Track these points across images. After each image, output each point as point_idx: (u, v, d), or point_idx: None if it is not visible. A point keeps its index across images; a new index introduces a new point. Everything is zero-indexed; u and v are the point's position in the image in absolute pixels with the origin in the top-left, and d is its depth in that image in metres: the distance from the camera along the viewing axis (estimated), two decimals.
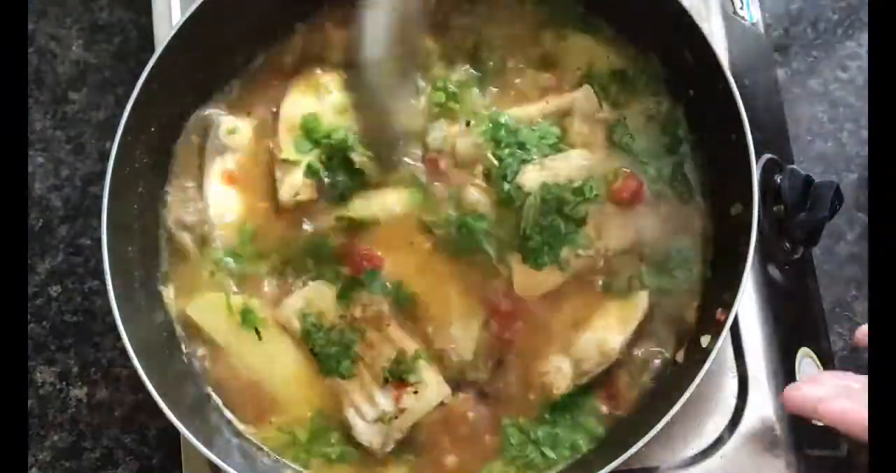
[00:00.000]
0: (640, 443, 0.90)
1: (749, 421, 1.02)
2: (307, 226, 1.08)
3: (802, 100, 1.31)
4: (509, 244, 1.03)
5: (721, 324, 0.94)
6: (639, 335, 1.02)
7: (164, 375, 0.99)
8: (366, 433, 1.01)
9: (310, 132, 1.08)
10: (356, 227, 1.07)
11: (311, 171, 1.07)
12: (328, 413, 1.04)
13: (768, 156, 1.09)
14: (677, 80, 1.08)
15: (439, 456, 1.02)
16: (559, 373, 1.00)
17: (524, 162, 1.04)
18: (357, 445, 1.02)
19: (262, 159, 1.11)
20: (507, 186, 1.03)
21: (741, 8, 1.19)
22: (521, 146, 1.05)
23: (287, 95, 1.12)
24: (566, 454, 1.01)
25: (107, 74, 1.39)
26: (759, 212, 0.95)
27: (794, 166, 1.12)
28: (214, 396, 1.06)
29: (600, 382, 1.02)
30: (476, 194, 1.05)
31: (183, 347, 1.07)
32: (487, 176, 1.05)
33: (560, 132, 1.07)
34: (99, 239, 1.00)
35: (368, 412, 1.02)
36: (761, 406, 1.02)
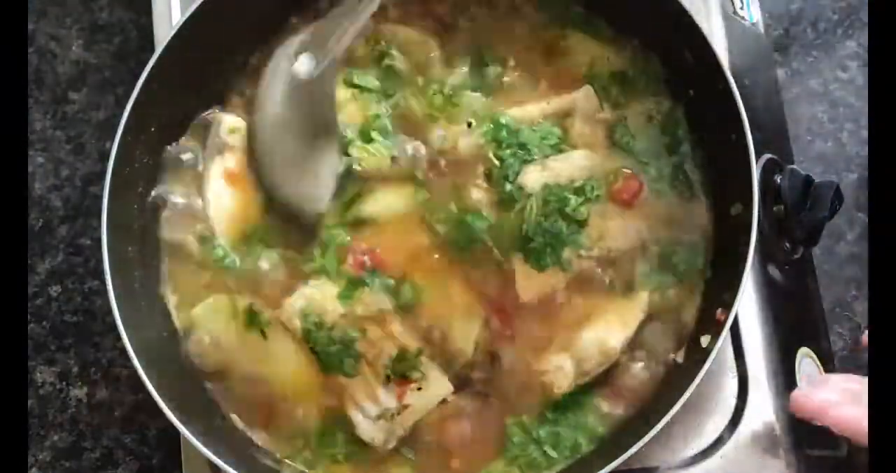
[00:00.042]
0: (640, 443, 0.90)
1: (749, 421, 1.02)
2: None
3: (802, 100, 1.31)
4: (511, 245, 1.03)
5: (721, 324, 0.94)
6: (639, 335, 1.02)
7: (164, 375, 0.99)
8: (369, 430, 1.02)
9: None
10: (358, 226, 1.07)
11: None
12: (333, 412, 1.04)
13: (768, 156, 1.09)
14: (677, 80, 1.08)
15: (442, 455, 1.02)
16: (560, 373, 1.00)
17: (525, 162, 1.04)
18: (361, 444, 1.02)
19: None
20: (508, 187, 1.03)
21: (741, 8, 1.19)
22: (523, 146, 1.05)
23: None
24: (567, 453, 1.01)
25: (107, 74, 1.39)
26: (759, 212, 0.95)
27: (794, 166, 1.12)
28: (216, 396, 1.06)
29: (601, 382, 1.02)
30: (478, 194, 1.05)
31: (185, 347, 1.07)
32: (489, 176, 1.06)
33: (561, 132, 1.07)
34: (99, 239, 1.00)
35: (371, 409, 1.02)
36: (761, 406, 1.02)
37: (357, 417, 1.02)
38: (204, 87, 1.12)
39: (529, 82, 1.11)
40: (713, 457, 1.01)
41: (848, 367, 1.21)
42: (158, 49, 1.03)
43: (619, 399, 1.02)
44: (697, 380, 0.91)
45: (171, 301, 1.09)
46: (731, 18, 1.15)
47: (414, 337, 1.03)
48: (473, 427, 1.03)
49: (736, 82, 0.97)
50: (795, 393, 0.92)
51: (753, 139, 0.95)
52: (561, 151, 1.06)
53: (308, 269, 1.06)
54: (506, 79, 1.11)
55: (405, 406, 1.01)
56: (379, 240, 1.06)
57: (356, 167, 1.06)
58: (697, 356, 0.97)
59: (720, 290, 0.99)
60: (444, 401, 1.03)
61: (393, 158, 1.08)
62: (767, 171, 1.07)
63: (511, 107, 1.09)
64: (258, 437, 1.05)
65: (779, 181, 1.07)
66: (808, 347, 1.10)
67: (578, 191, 1.03)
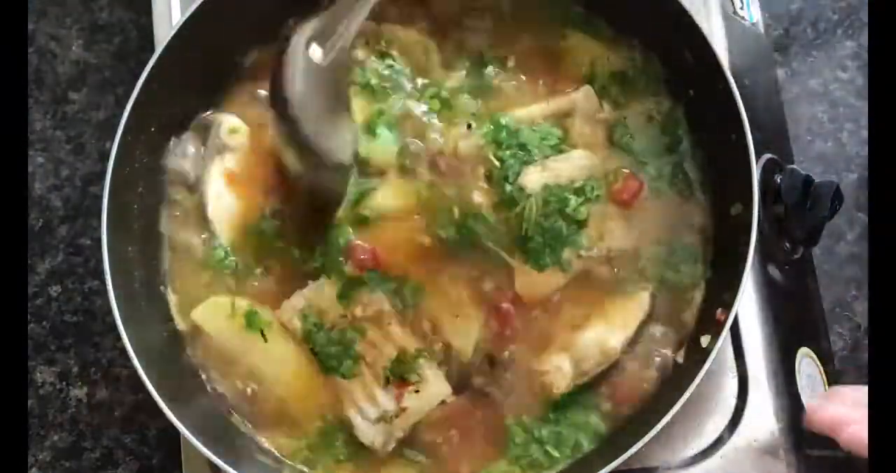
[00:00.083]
0: (640, 443, 0.90)
1: (749, 421, 1.02)
2: None
3: (802, 100, 1.31)
4: (511, 245, 1.03)
5: (721, 324, 0.94)
6: (639, 335, 1.02)
7: (164, 375, 0.99)
8: (367, 432, 1.02)
9: None
10: (359, 225, 1.07)
11: None
12: (333, 413, 1.04)
13: (768, 156, 1.09)
14: (677, 80, 1.08)
15: (444, 456, 1.02)
16: (559, 373, 1.00)
17: (526, 163, 1.04)
18: (361, 444, 1.02)
19: (262, 158, 1.11)
20: (508, 188, 1.03)
21: (741, 8, 1.19)
22: (523, 147, 1.05)
23: None
24: (569, 453, 1.01)
25: (107, 74, 1.40)
26: (759, 212, 0.95)
27: (794, 166, 1.12)
28: (216, 397, 1.07)
29: (601, 381, 1.02)
30: (479, 197, 1.05)
31: (185, 347, 1.07)
32: (489, 177, 1.05)
33: (561, 133, 1.07)
34: (99, 239, 1.00)
35: (370, 411, 1.02)
36: (761, 406, 1.02)
37: (356, 419, 1.02)
38: (204, 87, 1.12)
39: (529, 83, 1.11)
40: (713, 457, 1.01)
41: (848, 367, 1.21)
42: (158, 49, 1.03)
43: (620, 398, 1.02)
44: (697, 380, 0.91)
45: (172, 301, 1.09)
46: (731, 18, 1.15)
47: (413, 338, 1.03)
48: (474, 428, 1.03)
49: (736, 82, 0.97)
50: (809, 407, 0.92)
51: (753, 139, 0.95)
52: (561, 152, 1.06)
53: (308, 268, 1.06)
54: (505, 80, 1.11)
55: (403, 409, 1.01)
56: (379, 240, 1.06)
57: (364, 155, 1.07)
58: (697, 356, 0.97)
59: (720, 290, 0.99)
60: (443, 403, 1.03)
61: (400, 151, 1.08)
62: (767, 171, 1.07)
63: (511, 108, 1.09)
64: (258, 437, 1.06)
65: (779, 181, 1.07)
66: (808, 347, 1.10)
67: (578, 192, 1.03)
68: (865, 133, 1.29)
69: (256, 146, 1.12)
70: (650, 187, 1.06)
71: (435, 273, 1.05)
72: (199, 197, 1.10)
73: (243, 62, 1.14)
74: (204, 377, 1.07)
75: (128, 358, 0.97)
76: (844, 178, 1.27)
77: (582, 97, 1.08)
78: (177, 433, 0.96)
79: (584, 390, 1.02)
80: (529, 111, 1.08)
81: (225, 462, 0.95)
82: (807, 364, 1.08)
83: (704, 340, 0.98)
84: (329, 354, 1.03)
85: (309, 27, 1.01)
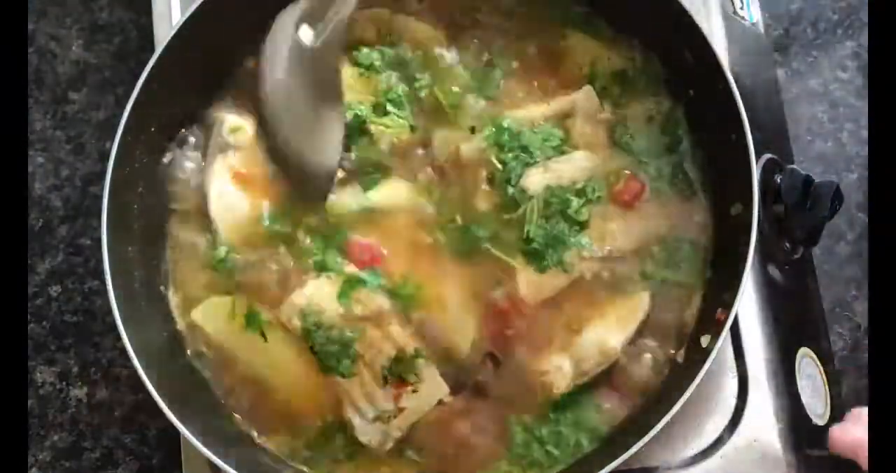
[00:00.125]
0: (640, 443, 0.90)
1: (749, 421, 1.02)
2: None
3: (802, 100, 1.31)
4: (513, 247, 1.04)
5: (721, 324, 0.94)
6: (639, 335, 1.02)
7: (164, 375, 0.99)
8: (365, 431, 1.02)
9: None
10: (359, 221, 1.07)
11: None
12: (333, 412, 1.04)
13: (768, 156, 1.09)
14: (677, 80, 1.08)
15: (444, 456, 1.02)
16: (559, 373, 1.00)
17: (528, 165, 1.04)
18: (361, 444, 1.02)
19: (264, 157, 1.11)
20: (511, 190, 1.03)
21: (741, 8, 1.19)
22: (525, 149, 1.05)
23: None
24: (569, 453, 1.01)
25: (107, 74, 1.40)
26: (759, 212, 0.95)
27: (794, 166, 1.12)
28: (216, 396, 1.07)
29: (601, 381, 1.02)
30: (482, 202, 1.05)
31: (185, 347, 1.07)
32: (491, 179, 1.06)
33: (562, 134, 1.07)
34: (99, 239, 1.00)
35: (368, 410, 1.02)
36: (761, 406, 1.02)
37: (354, 418, 1.02)
38: (204, 87, 1.12)
39: (531, 84, 1.11)
40: (713, 457, 1.01)
41: (848, 367, 1.21)
42: (158, 49, 1.03)
43: (620, 398, 1.02)
44: (697, 380, 0.91)
45: (172, 301, 1.09)
46: (731, 18, 1.15)
47: (412, 337, 1.03)
48: (474, 428, 1.03)
49: (736, 82, 0.97)
50: (832, 430, 0.92)
51: (753, 139, 0.95)
52: (563, 153, 1.06)
53: (308, 265, 1.06)
54: (509, 81, 1.11)
55: (401, 409, 1.01)
56: (380, 238, 1.06)
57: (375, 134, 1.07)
58: (697, 356, 0.97)
59: (720, 290, 0.99)
60: (441, 403, 1.03)
61: (412, 128, 1.08)
62: (767, 171, 1.07)
63: (513, 110, 1.09)
64: (258, 437, 1.06)
65: (779, 181, 1.07)
66: (808, 347, 1.10)
67: (580, 193, 1.03)
68: (865, 133, 1.29)
69: (258, 144, 1.12)
70: (651, 187, 1.06)
71: (435, 272, 1.05)
72: (200, 196, 1.10)
73: (243, 62, 1.14)
74: (204, 377, 1.07)
75: (128, 358, 0.96)
76: (844, 178, 1.27)
77: (583, 98, 1.08)
78: (177, 433, 0.96)
79: (584, 390, 1.02)
80: (530, 112, 1.08)
81: (225, 462, 0.95)
82: (807, 364, 1.08)
83: (704, 340, 0.98)
84: (328, 353, 1.03)
85: (298, 7, 0.96)
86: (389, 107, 1.08)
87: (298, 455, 1.05)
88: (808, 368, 1.08)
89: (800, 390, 1.05)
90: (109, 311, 0.98)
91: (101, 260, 0.99)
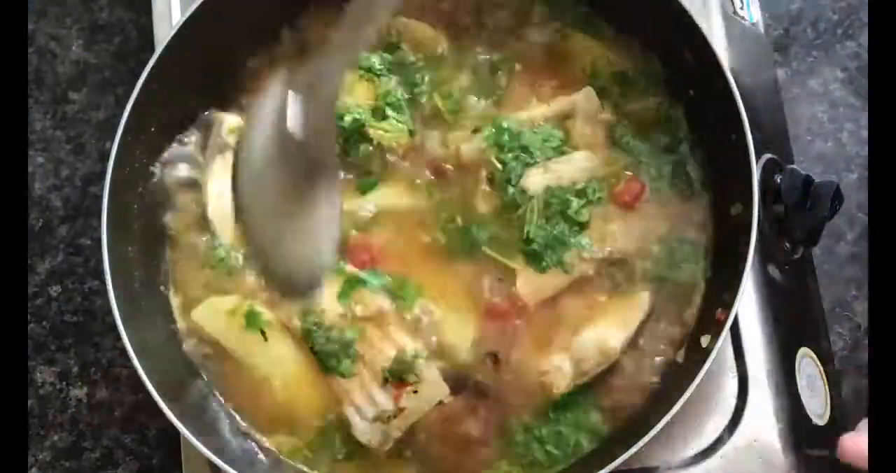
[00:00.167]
0: (640, 443, 0.90)
1: (749, 421, 1.02)
2: None
3: (802, 100, 1.31)
4: (513, 247, 1.04)
5: (721, 324, 0.94)
6: (639, 335, 1.02)
7: (164, 375, 0.99)
8: (365, 431, 1.02)
9: None
10: (360, 222, 1.07)
11: None
12: (333, 412, 1.04)
13: (768, 156, 1.09)
14: (677, 80, 1.08)
15: (444, 456, 1.02)
16: (559, 373, 1.00)
17: (528, 165, 1.04)
18: (360, 444, 1.02)
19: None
20: (511, 190, 1.03)
21: (741, 8, 1.19)
22: (525, 150, 1.05)
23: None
24: (569, 453, 1.01)
25: (107, 74, 1.40)
26: (759, 212, 0.95)
27: (794, 166, 1.12)
28: (216, 396, 1.07)
29: (601, 381, 1.02)
30: (482, 204, 1.05)
31: (185, 347, 1.07)
32: (491, 180, 1.05)
33: (563, 134, 1.07)
34: (99, 239, 1.00)
35: (368, 411, 1.02)
36: (761, 406, 1.02)
37: (354, 418, 1.02)
38: (204, 87, 1.12)
39: (531, 84, 1.11)
40: (713, 457, 1.01)
41: (848, 367, 1.21)
42: (158, 49, 1.03)
43: (620, 398, 1.02)
44: (697, 380, 0.91)
45: (172, 301, 1.09)
46: (731, 18, 1.15)
47: (412, 337, 1.03)
48: (475, 428, 1.03)
49: (736, 82, 0.97)
50: (842, 439, 0.92)
51: (753, 139, 0.95)
52: (563, 153, 1.06)
53: None
54: (509, 82, 1.11)
55: (401, 409, 1.01)
56: (380, 238, 1.06)
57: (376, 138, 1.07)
58: (697, 356, 0.97)
59: (720, 290, 0.99)
60: (440, 403, 1.03)
61: (411, 132, 1.08)
62: (767, 171, 1.07)
63: (513, 111, 1.09)
64: (258, 437, 1.06)
65: (779, 181, 1.07)
66: (808, 347, 1.10)
67: (580, 194, 1.03)
68: (865, 133, 1.29)
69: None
70: (651, 187, 1.06)
71: (435, 272, 1.05)
72: (199, 196, 1.10)
73: (243, 62, 1.14)
74: (204, 377, 1.07)
75: (128, 358, 0.96)
76: (844, 178, 1.27)
77: (583, 98, 1.08)
78: (177, 433, 0.96)
79: (584, 390, 1.02)
80: (531, 113, 1.08)
81: (225, 462, 0.95)
82: (807, 364, 1.08)
83: (704, 340, 0.98)
84: (328, 353, 1.03)
85: (287, 78, 0.83)
86: (389, 112, 1.08)
87: (298, 454, 1.05)
88: (808, 368, 1.08)
89: (800, 390, 1.05)
90: (109, 311, 0.98)
91: (101, 260, 0.99)
